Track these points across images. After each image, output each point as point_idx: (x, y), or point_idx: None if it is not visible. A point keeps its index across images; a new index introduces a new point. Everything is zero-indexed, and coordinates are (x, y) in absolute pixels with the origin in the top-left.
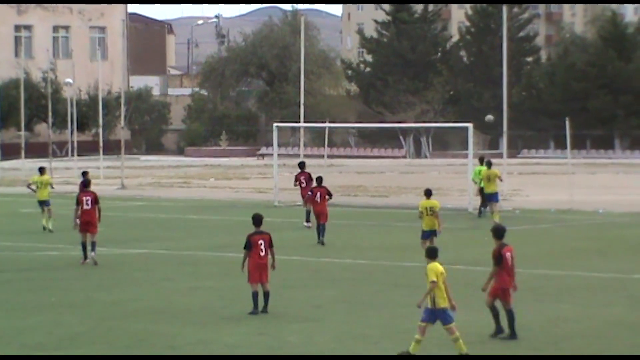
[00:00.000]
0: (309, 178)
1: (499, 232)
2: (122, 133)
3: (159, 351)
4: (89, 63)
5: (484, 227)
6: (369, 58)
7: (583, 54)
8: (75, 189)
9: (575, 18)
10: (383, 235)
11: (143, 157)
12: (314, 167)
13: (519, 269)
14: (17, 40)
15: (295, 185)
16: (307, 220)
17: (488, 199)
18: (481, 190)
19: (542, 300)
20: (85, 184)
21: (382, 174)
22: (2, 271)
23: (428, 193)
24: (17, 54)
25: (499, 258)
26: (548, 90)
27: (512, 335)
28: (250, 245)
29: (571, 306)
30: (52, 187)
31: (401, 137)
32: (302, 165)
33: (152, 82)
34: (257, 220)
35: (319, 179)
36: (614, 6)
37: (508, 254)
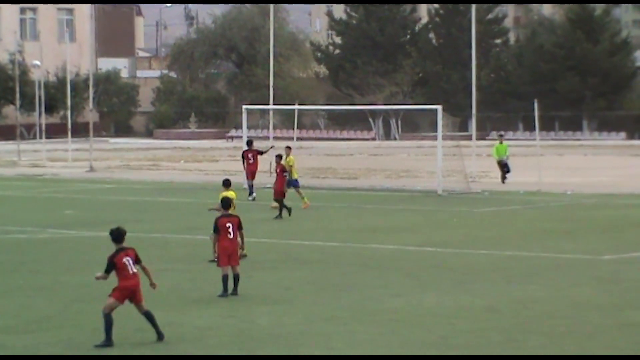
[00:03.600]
0: (255, 155)
1: None
2: (90, 115)
3: (128, 334)
4: (57, 45)
5: (452, 210)
6: (338, 40)
7: (551, 35)
8: (43, 171)
9: None
10: (352, 218)
11: (112, 140)
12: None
13: (488, 250)
14: None
15: (243, 162)
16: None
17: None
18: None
19: (511, 282)
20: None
21: (351, 156)
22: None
23: (226, 184)
24: None
25: None
26: (516, 72)
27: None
28: (218, 229)
29: (540, 287)
30: None
31: (370, 119)
32: (249, 142)
33: (120, 64)
34: (226, 203)
35: (280, 157)
36: None
37: None
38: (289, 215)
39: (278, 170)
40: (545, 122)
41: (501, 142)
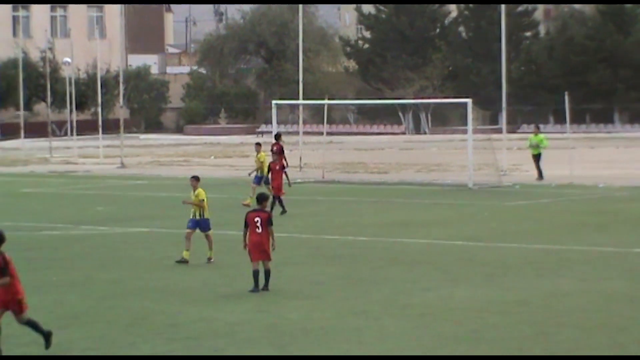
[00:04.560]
0: (281, 150)
1: None
2: (121, 112)
3: (160, 329)
4: (87, 42)
5: (483, 203)
6: (367, 34)
7: (582, 27)
8: (75, 167)
9: None
10: (383, 212)
11: (142, 136)
12: (314, 144)
13: (519, 243)
14: (15, 19)
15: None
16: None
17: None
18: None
19: (542, 275)
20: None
21: (381, 150)
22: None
23: (196, 179)
24: (15, 34)
25: None
26: (547, 64)
27: None
28: (247, 224)
29: (571, 280)
30: None
31: (400, 113)
32: (277, 136)
33: (150, 61)
34: (260, 199)
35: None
36: None
37: None
38: (281, 214)
39: (277, 167)
40: (576, 115)
41: (536, 134)
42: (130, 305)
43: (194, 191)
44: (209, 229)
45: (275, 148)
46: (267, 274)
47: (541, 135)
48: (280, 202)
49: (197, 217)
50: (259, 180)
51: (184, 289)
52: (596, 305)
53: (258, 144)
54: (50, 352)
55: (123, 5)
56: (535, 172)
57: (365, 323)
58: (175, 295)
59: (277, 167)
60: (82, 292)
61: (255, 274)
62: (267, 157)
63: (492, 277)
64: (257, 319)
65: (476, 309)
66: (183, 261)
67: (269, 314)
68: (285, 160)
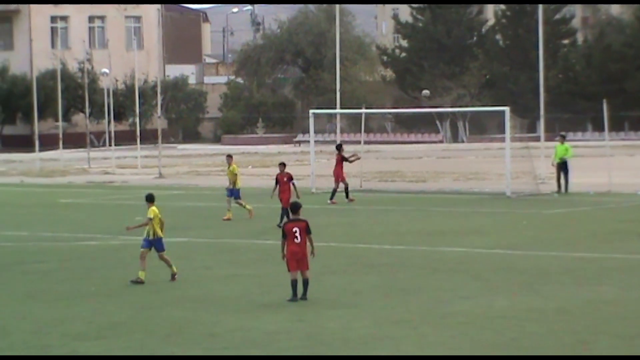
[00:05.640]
0: (342, 159)
1: None
2: (159, 122)
3: (198, 339)
4: (125, 53)
5: (521, 212)
6: (404, 43)
7: (620, 35)
8: (113, 178)
9: None
10: (421, 221)
11: (180, 146)
12: (351, 154)
13: (558, 252)
14: (53, 31)
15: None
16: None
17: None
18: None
19: (581, 283)
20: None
21: (419, 159)
22: (43, 261)
23: (149, 198)
24: (53, 45)
25: None
26: (585, 72)
27: None
28: (285, 234)
29: (611, 288)
30: None
31: (438, 122)
32: (339, 147)
33: (188, 71)
34: (293, 208)
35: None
36: None
37: None
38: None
39: (285, 179)
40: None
41: (562, 143)
42: (168, 315)
43: (229, 167)
44: (163, 250)
45: (337, 158)
46: (306, 283)
47: (566, 145)
48: (288, 214)
49: (151, 237)
50: (232, 192)
51: (222, 298)
52: (636, 314)
53: (229, 156)
54: None
55: (161, 16)
56: (556, 184)
57: (404, 332)
58: (213, 305)
59: (285, 179)
60: (121, 302)
61: (294, 283)
62: (239, 169)
63: (531, 286)
64: (296, 329)
65: (515, 317)
66: (138, 282)
67: (308, 323)
68: (342, 170)
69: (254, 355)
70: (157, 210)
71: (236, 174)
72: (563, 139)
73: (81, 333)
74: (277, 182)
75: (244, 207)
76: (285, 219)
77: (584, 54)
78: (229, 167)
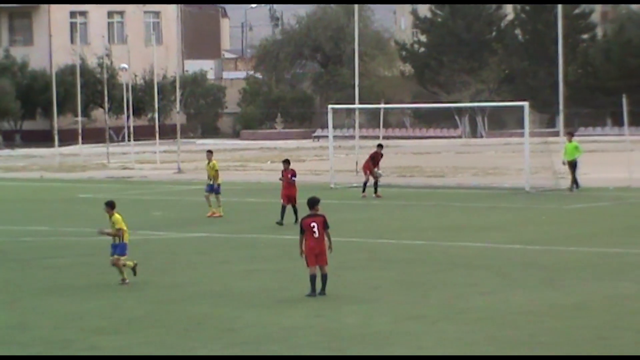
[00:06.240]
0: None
1: None
2: (177, 117)
3: (218, 334)
4: (143, 48)
5: (541, 207)
6: (423, 38)
7: (639, 30)
8: (132, 173)
9: None
10: (440, 216)
11: (199, 141)
12: (370, 149)
13: (577, 247)
14: (72, 26)
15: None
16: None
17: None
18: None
19: (601, 279)
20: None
21: (438, 154)
22: (62, 256)
23: (110, 205)
24: (72, 40)
25: None
26: (604, 67)
27: None
28: (303, 229)
29: (631, 284)
30: None
31: (457, 117)
32: (379, 146)
33: (206, 66)
34: (311, 203)
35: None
36: None
37: None
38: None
39: (289, 176)
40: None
41: (570, 141)
42: (187, 310)
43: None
44: (124, 255)
45: (372, 153)
46: (324, 278)
47: (575, 142)
48: (296, 211)
49: (117, 241)
50: (211, 188)
51: (241, 293)
52: None
53: (209, 152)
54: (106, 353)
55: (179, 11)
56: (569, 181)
57: (423, 327)
58: (233, 300)
59: (290, 176)
60: (140, 297)
61: (312, 278)
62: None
63: (550, 281)
64: (314, 324)
65: (534, 312)
66: (125, 282)
67: (326, 318)
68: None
69: (271, 355)
70: (121, 218)
71: (217, 170)
72: (571, 136)
73: (100, 327)
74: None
75: (218, 206)
76: (298, 217)
77: (603, 49)
78: (208, 163)
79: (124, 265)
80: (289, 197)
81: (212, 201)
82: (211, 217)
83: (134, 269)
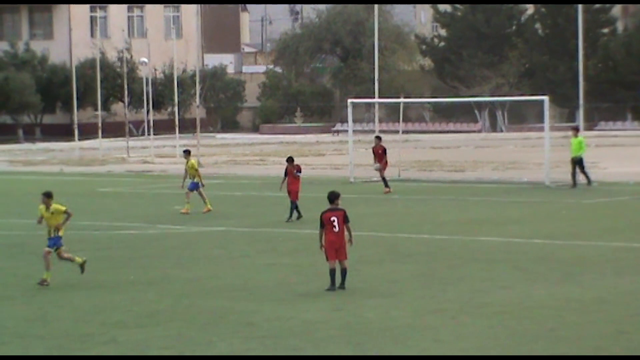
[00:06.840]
0: (384, 151)
1: None
2: (197, 111)
3: (237, 328)
4: (163, 42)
5: (560, 201)
6: (443, 32)
7: None
8: (152, 167)
9: None
10: (459, 210)
11: (218, 135)
12: (390, 143)
13: (597, 241)
14: (92, 20)
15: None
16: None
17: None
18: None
19: (621, 273)
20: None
21: (457, 148)
22: (82, 250)
23: (48, 195)
24: (92, 34)
25: None
26: (625, 61)
27: None
28: (323, 223)
29: None
30: None
31: (476, 111)
32: (377, 138)
33: (226, 60)
34: (331, 197)
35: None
36: None
37: None
38: (298, 218)
39: (294, 171)
40: None
41: (575, 136)
42: (207, 304)
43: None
44: (61, 246)
45: (380, 151)
46: (344, 272)
47: (580, 137)
48: (297, 207)
49: (52, 235)
50: (194, 186)
51: (260, 287)
52: None
53: (187, 152)
54: (128, 351)
55: (199, 5)
56: (582, 177)
57: (442, 322)
58: (252, 294)
59: (295, 171)
60: (160, 291)
61: (332, 272)
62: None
63: (570, 276)
64: (334, 318)
65: (554, 307)
66: (45, 283)
67: (346, 312)
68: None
69: (289, 355)
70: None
71: (196, 169)
72: (577, 131)
73: (120, 321)
74: (286, 175)
75: (198, 202)
76: (296, 213)
77: (624, 43)
78: (187, 163)
79: (69, 258)
80: (290, 192)
81: (190, 198)
82: (207, 213)
83: (82, 266)
